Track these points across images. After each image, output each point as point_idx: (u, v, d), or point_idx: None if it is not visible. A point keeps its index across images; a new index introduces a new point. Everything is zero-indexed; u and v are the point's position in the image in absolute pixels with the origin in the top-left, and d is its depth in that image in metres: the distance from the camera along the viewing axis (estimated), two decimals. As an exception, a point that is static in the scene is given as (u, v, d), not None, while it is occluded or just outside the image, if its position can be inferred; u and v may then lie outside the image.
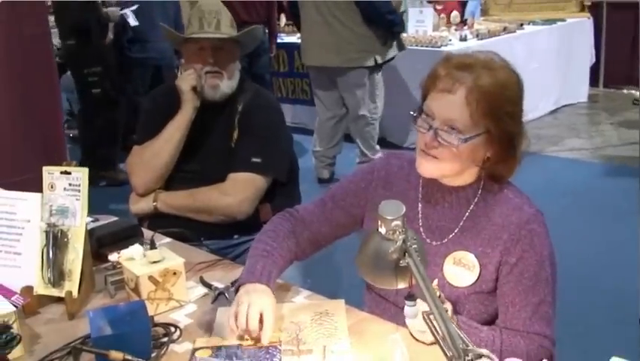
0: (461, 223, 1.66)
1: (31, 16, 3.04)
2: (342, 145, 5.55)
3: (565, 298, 1.80)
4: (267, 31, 6.11)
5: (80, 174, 1.85)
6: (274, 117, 2.60)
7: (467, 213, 1.66)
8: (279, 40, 6.84)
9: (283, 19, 7.34)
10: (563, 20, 7.18)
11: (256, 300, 1.60)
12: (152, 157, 2.49)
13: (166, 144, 2.48)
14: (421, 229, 1.71)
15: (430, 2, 7.53)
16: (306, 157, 5.67)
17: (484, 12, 7.50)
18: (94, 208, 2.30)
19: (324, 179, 5.45)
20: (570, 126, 6.77)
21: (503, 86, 1.56)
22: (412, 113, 1.61)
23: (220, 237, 2.46)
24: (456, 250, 1.64)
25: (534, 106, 6.59)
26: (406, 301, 1.34)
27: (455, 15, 6.75)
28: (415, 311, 1.34)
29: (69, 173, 1.86)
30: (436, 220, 1.70)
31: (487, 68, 1.56)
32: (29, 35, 3.00)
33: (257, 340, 1.59)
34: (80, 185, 1.85)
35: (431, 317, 1.19)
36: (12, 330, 1.57)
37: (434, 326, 1.20)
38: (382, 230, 1.27)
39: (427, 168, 1.62)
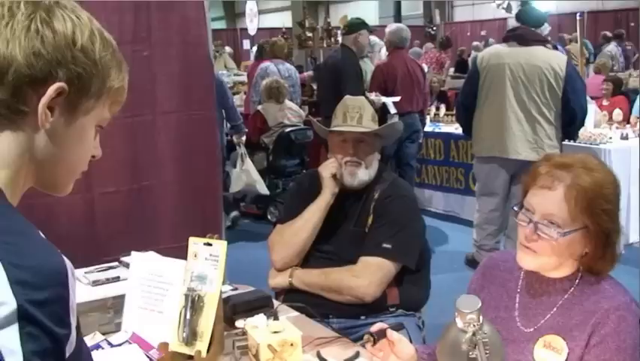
0: (554, 310, 1.73)
1: (200, 101, 3.41)
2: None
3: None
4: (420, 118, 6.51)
5: (220, 246, 2.07)
6: (408, 206, 2.73)
7: (561, 301, 1.73)
8: (436, 130, 7.03)
9: (443, 109, 7.51)
10: None
11: None
12: (291, 236, 2.69)
13: (305, 224, 2.68)
14: (517, 318, 1.79)
15: (596, 98, 7.42)
16: (457, 244, 5.68)
17: (652, 111, 7.26)
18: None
19: None
20: None
21: (600, 185, 1.66)
22: (514, 208, 1.72)
23: (348, 316, 2.58)
24: (547, 335, 1.71)
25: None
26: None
27: (618, 112, 6.60)
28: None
29: (211, 245, 2.08)
30: (533, 309, 1.78)
31: (586, 168, 1.67)
32: (198, 119, 3.37)
33: None
34: (218, 256, 2.07)
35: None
36: (144, 379, 1.79)
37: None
38: (459, 322, 1.37)
39: (527, 261, 1.72)
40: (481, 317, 1.37)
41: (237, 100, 10.15)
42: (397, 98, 6.23)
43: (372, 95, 6.17)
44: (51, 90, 0.98)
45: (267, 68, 7.76)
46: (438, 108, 7.64)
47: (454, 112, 7.05)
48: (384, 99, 6.13)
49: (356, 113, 2.67)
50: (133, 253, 2.28)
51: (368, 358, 2.05)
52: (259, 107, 7.07)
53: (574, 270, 1.74)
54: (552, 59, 4.79)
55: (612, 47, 12.81)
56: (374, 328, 1.96)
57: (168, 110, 3.30)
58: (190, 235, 2.22)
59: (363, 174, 2.68)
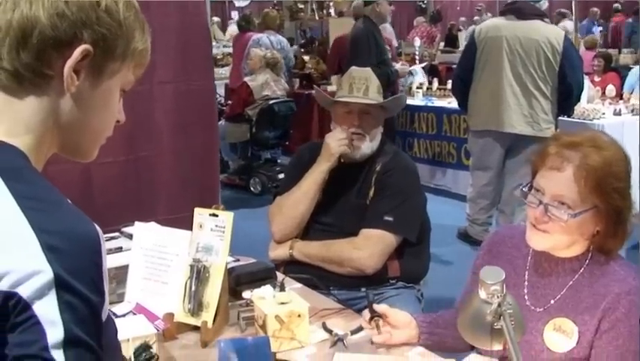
0: (564, 291, 1.73)
1: (198, 71, 3.36)
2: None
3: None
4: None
5: (226, 217, 2.06)
6: (410, 179, 2.72)
7: (571, 282, 1.72)
8: (429, 104, 7.01)
9: (435, 84, 7.49)
10: None
11: None
12: (289, 208, 2.68)
13: (302, 196, 2.66)
14: (526, 296, 1.78)
15: (587, 74, 7.41)
16: (449, 218, 5.70)
17: (644, 86, 7.27)
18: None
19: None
20: None
21: (610, 164, 1.64)
22: (522, 189, 1.71)
23: (348, 287, 2.58)
24: (557, 317, 1.70)
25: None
26: (500, 363, 1.42)
27: (611, 88, 6.60)
28: (508, 373, 1.41)
29: (217, 215, 2.07)
30: (542, 288, 1.77)
31: (595, 146, 1.65)
32: (196, 89, 3.33)
33: None
34: (224, 227, 2.05)
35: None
36: (152, 350, 1.78)
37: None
38: (482, 294, 1.36)
39: (537, 241, 1.71)
40: (504, 288, 1.36)
41: (226, 72, 10.08)
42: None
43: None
44: (77, 52, 0.96)
45: (260, 39, 7.70)
46: (430, 83, 7.60)
47: (446, 86, 7.06)
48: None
49: (362, 85, 2.65)
50: (136, 223, 2.26)
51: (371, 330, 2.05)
52: (246, 79, 7.05)
53: (584, 249, 1.72)
54: (550, 34, 4.77)
55: (567, 23, 12.74)
56: (366, 317, 1.97)
57: (166, 79, 3.25)
58: (188, 206, 2.22)
59: (366, 147, 2.66)
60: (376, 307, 1.98)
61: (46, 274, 0.84)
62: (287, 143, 7.44)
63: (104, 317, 0.91)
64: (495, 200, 5.31)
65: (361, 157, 2.68)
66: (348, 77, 2.70)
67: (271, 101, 6.86)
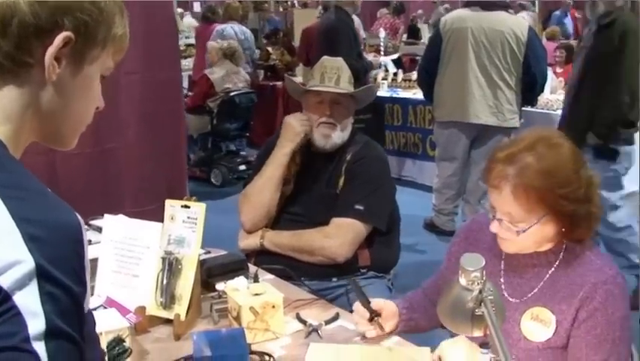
0: (541, 283, 1.73)
1: (164, 62, 3.33)
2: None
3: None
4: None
5: (198, 209, 2.03)
6: (380, 168, 2.72)
7: (548, 275, 1.73)
8: (394, 95, 7.03)
9: (400, 75, 7.51)
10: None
11: None
12: (255, 195, 2.66)
13: (267, 181, 2.64)
14: (503, 286, 1.78)
15: (550, 65, 7.50)
16: (415, 208, 5.73)
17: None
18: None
19: (452, 231, 5.36)
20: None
21: (550, 173, 1.60)
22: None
23: (319, 278, 2.57)
24: (534, 306, 1.71)
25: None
26: (481, 349, 1.42)
27: (573, 79, 6.70)
28: (487, 358, 1.42)
29: (188, 207, 2.04)
30: (518, 278, 1.77)
31: (533, 153, 1.62)
32: (162, 80, 3.29)
33: None
34: (197, 218, 2.03)
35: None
36: (124, 344, 1.75)
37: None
38: (462, 280, 1.37)
39: (505, 247, 1.73)
40: (484, 275, 1.37)
41: (189, 63, 9.98)
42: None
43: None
44: (58, 40, 0.94)
45: (224, 30, 7.64)
46: (395, 74, 7.62)
47: (412, 77, 7.07)
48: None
49: (334, 74, 2.64)
50: (106, 215, 2.22)
51: (349, 320, 2.05)
52: (206, 72, 7.02)
53: (557, 242, 1.72)
54: (514, 25, 4.82)
55: (524, 14, 12.89)
56: (360, 311, 1.96)
57: (132, 70, 3.21)
58: (155, 199, 2.19)
59: (337, 137, 2.66)
60: (372, 302, 1.96)
61: (27, 264, 0.82)
62: (247, 134, 7.43)
63: (85, 308, 0.89)
64: (460, 190, 5.35)
65: (332, 147, 2.67)
66: (320, 66, 2.69)
67: (232, 93, 6.84)
